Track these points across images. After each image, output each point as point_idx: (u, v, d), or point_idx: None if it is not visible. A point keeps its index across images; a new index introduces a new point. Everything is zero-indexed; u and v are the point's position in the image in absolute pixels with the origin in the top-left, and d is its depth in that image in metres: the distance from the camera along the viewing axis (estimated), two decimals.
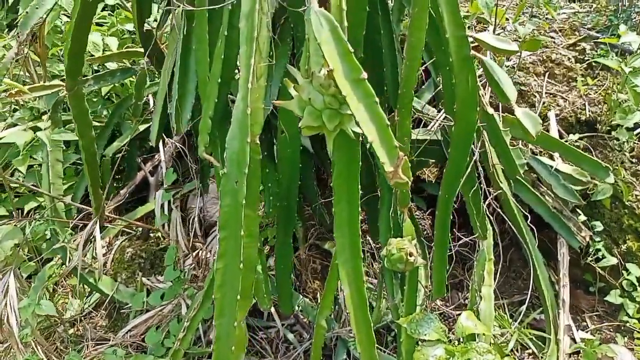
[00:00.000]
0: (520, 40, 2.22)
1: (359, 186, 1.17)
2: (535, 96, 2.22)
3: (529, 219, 1.89)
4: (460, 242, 1.92)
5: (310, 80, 1.00)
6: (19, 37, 1.68)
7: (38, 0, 1.68)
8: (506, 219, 1.96)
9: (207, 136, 1.35)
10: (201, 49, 1.34)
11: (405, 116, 1.45)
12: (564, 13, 2.55)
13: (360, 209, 1.20)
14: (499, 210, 1.94)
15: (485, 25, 2.40)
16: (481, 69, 1.48)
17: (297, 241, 2.13)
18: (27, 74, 2.47)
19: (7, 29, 2.93)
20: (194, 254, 2.14)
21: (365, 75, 0.92)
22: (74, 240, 2.01)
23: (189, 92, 1.42)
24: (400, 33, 1.74)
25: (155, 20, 2.46)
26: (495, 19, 2.23)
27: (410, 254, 1.46)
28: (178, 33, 1.40)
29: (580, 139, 2.13)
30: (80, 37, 1.51)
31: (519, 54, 2.32)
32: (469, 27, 2.44)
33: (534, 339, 1.96)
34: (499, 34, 2.36)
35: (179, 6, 1.22)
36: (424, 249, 1.89)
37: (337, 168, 1.14)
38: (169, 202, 2.01)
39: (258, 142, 1.06)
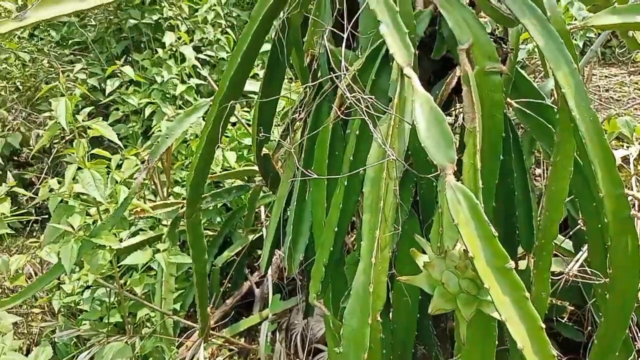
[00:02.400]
0: None
1: None
2: None
3: None
4: None
5: (443, 257, 0.89)
6: (148, 163, 1.78)
7: (169, 130, 1.79)
8: None
9: (320, 284, 1.27)
10: (318, 191, 1.30)
11: (543, 269, 1.27)
12: None
13: None
14: None
15: (625, 143, 2.15)
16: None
17: None
18: (152, 182, 2.65)
19: (142, 137, 3.22)
20: None
21: (512, 264, 0.78)
22: (179, 358, 1.98)
23: (302, 233, 1.37)
24: (531, 167, 1.59)
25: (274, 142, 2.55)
26: None
27: None
28: (294, 159, 1.37)
29: None
30: (203, 170, 1.55)
31: None
32: None
33: None
34: None
35: (300, 172, 1.19)
36: None
37: (469, 349, 0.98)
38: (274, 332, 1.94)
39: (380, 318, 0.95)
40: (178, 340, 1.99)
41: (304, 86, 1.55)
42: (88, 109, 1.88)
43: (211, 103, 1.61)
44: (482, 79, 1.07)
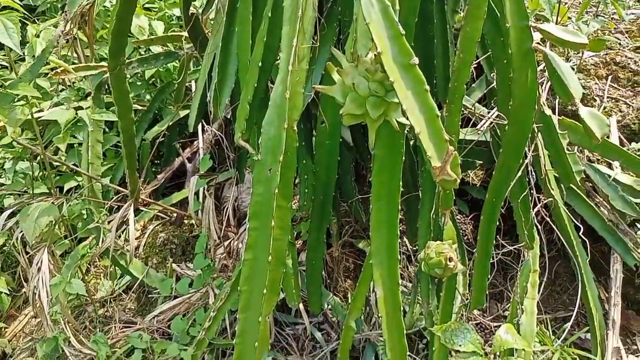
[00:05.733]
0: None
1: (401, 184, 1.09)
2: (596, 100, 2.06)
3: (581, 231, 1.76)
4: (504, 249, 1.81)
5: (356, 65, 0.93)
6: (66, 15, 1.68)
7: None
8: (555, 229, 1.84)
9: (245, 122, 1.29)
10: (243, 30, 1.29)
11: (454, 112, 1.36)
12: (633, 14, 2.38)
13: (399, 208, 1.13)
14: (548, 219, 1.82)
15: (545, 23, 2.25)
16: (542, 65, 1.37)
17: (330, 237, 2.07)
18: (74, 55, 2.51)
19: (61, 11, 2.98)
20: (226, 243, 2.11)
21: (416, 60, 0.84)
22: (108, 222, 2.01)
23: (229, 75, 1.38)
24: (454, 26, 1.65)
25: (202, 4, 2.45)
26: (557, 16, 2.09)
27: (450, 259, 1.38)
28: (222, 14, 1.35)
29: None
30: (125, 16, 1.49)
31: (579, 53, 2.18)
32: None
33: (577, 359, 1.83)
34: None
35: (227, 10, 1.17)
36: (464, 254, 1.79)
37: (378, 162, 1.06)
38: (204, 189, 1.98)
39: (296, 128, 1.00)
40: (108, 203, 2.00)
41: None
42: None
43: None
44: None
